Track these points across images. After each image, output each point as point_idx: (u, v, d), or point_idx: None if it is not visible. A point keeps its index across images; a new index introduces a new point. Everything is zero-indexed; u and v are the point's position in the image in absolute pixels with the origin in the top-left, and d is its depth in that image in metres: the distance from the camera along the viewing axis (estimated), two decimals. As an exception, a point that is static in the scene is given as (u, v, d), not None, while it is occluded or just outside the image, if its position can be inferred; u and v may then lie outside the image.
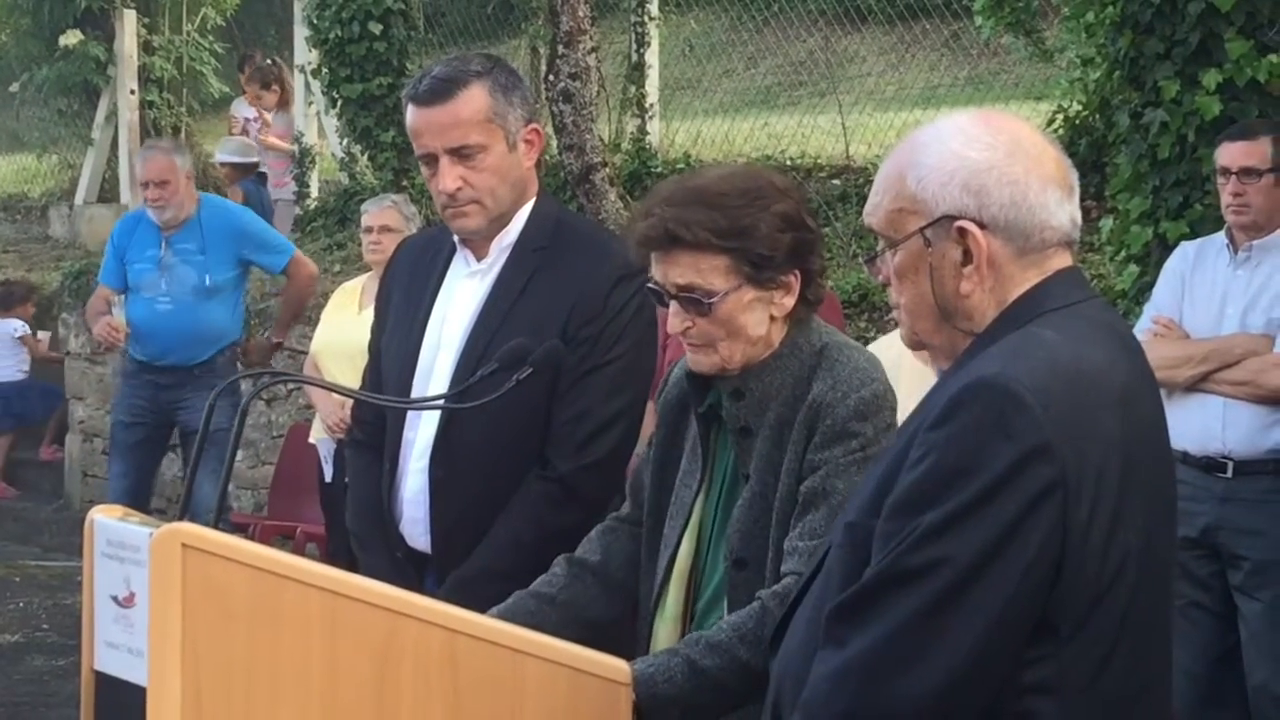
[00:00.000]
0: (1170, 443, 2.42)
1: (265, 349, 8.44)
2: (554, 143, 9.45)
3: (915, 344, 2.43)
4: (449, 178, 3.56)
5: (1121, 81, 6.33)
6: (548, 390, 3.50)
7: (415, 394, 3.63)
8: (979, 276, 2.32)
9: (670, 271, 2.95)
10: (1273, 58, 5.94)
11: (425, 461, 3.62)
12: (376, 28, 11.61)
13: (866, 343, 4.72)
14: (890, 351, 3.82)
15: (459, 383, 3.49)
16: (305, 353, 8.45)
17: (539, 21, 11.22)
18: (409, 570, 3.61)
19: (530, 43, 11.77)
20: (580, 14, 9.58)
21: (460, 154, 3.55)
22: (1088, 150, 7.91)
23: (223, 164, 12.30)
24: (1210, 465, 5.13)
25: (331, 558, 6.96)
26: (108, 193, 14.34)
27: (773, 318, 2.97)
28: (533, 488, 3.54)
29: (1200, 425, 5.12)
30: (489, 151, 3.57)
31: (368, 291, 7.30)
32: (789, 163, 9.95)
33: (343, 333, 7.22)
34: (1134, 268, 6.29)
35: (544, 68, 10.07)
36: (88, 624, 2.62)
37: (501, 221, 3.63)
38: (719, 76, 12.55)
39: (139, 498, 7.84)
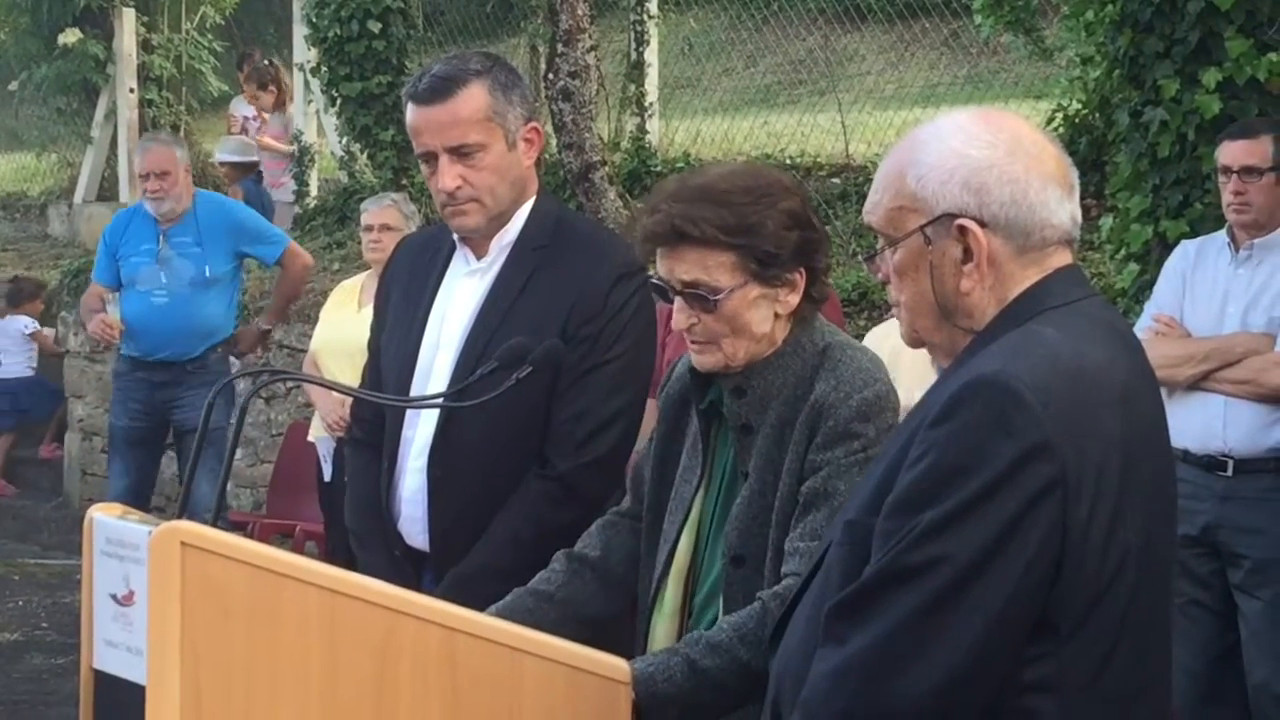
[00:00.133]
0: (1170, 441, 2.42)
1: (254, 336, 8.42)
2: (553, 141, 9.45)
3: (915, 342, 2.42)
4: (448, 176, 3.56)
5: (1121, 80, 6.33)
6: (547, 389, 3.50)
7: (414, 392, 3.62)
8: (979, 274, 2.32)
9: (676, 268, 2.95)
10: (1272, 56, 5.94)
11: (424, 460, 3.61)
12: (376, 26, 11.60)
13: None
14: (888, 341, 3.82)
15: (458, 381, 3.49)
16: (304, 351, 8.46)
17: (538, 20, 11.22)
18: (407, 569, 3.61)
19: (530, 41, 11.77)
20: (579, 12, 9.59)
21: (460, 152, 3.55)
22: (1087, 149, 7.90)
23: (222, 163, 12.30)
24: (1211, 464, 5.13)
25: (330, 556, 6.96)
26: (107, 191, 14.34)
27: (777, 315, 2.97)
28: (532, 486, 3.54)
29: (1201, 424, 5.12)
30: (488, 150, 3.57)
31: (367, 290, 7.31)
32: (788, 161, 9.95)
33: (342, 331, 7.22)
34: (1134, 266, 6.29)
35: (543, 66, 10.07)
36: (87, 622, 2.62)
37: (501, 220, 3.63)
38: (718, 75, 12.55)
39: (139, 497, 7.86)
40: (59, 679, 7.48)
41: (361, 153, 11.97)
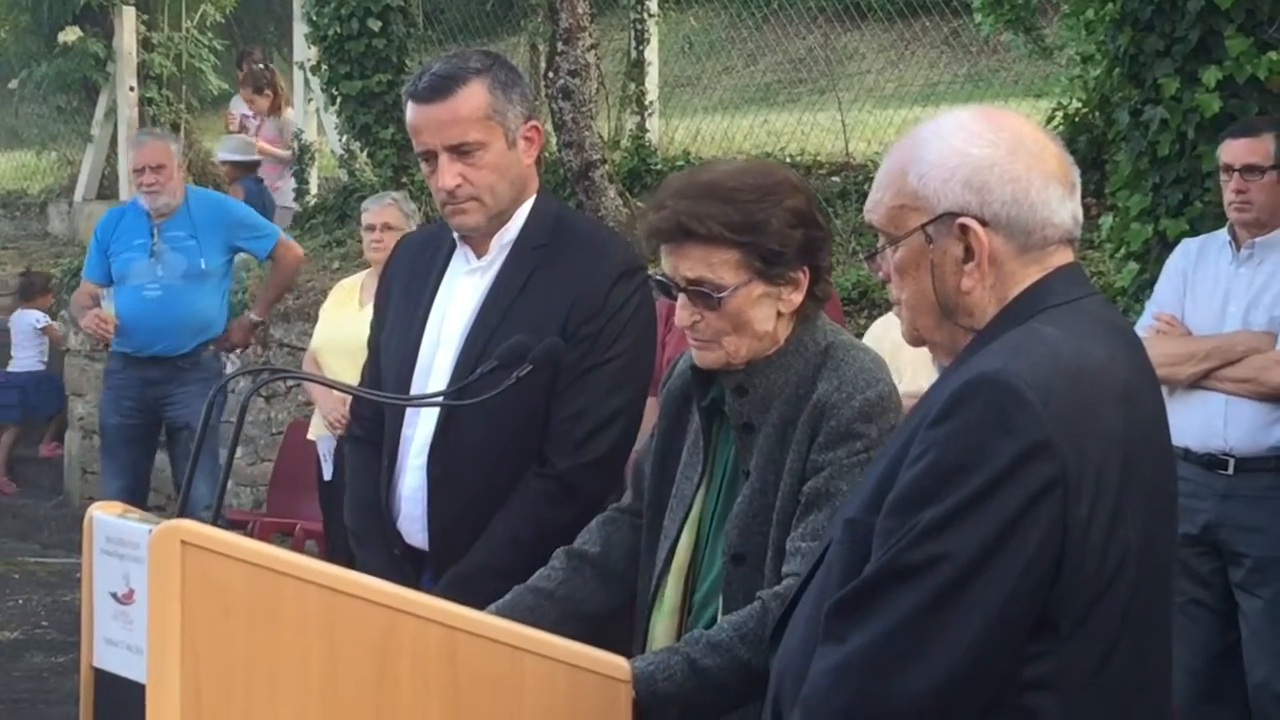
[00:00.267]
0: (1171, 440, 2.42)
1: (246, 328, 8.42)
2: (553, 140, 9.45)
3: (916, 340, 2.42)
4: (448, 175, 3.55)
5: (1121, 79, 6.33)
6: (547, 388, 3.50)
7: (414, 391, 3.62)
8: (980, 273, 2.32)
9: (680, 264, 2.95)
10: (1273, 55, 5.94)
11: (423, 459, 3.61)
12: (376, 24, 11.60)
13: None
14: (891, 333, 3.82)
15: (458, 380, 3.49)
16: (304, 349, 8.46)
17: (538, 18, 11.22)
18: (406, 567, 3.61)
19: (530, 40, 11.78)
20: (580, 11, 9.58)
21: (459, 151, 3.55)
22: (1087, 147, 7.90)
23: (223, 162, 12.29)
24: (1212, 462, 5.13)
25: (331, 555, 6.96)
26: (107, 189, 14.33)
27: (780, 314, 2.97)
28: (531, 485, 3.54)
29: (1202, 422, 5.12)
30: (488, 149, 3.57)
31: (367, 288, 7.31)
32: (789, 160, 9.95)
33: (343, 330, 7.22)
34: (1134, 265, 6.28)
35: (543, 65, 10.08)
36: (87, 621, 2.62)
37: (501, 219, 3.63)
38: (718, 73, 12.55)
39: (135, 495, 7.85)
40: (59, 677, 7.48)
41: (361, 151, 11.97)
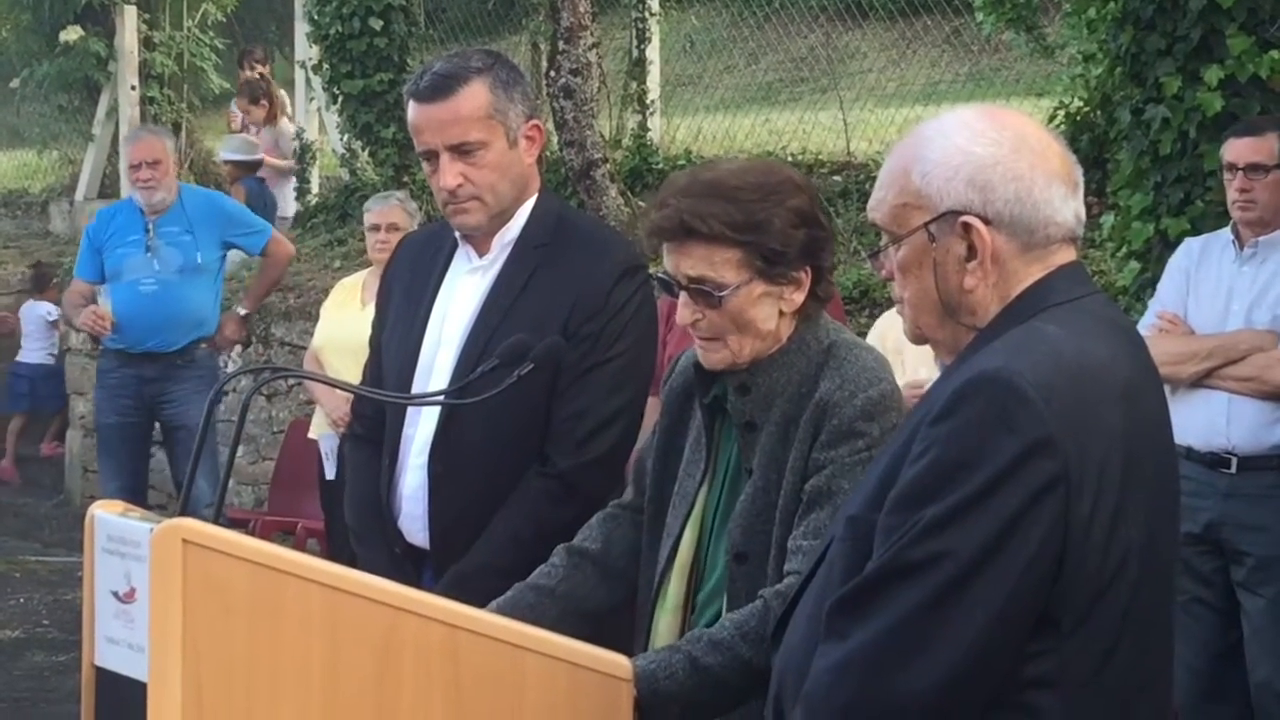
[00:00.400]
0: (1173, 438, 2.42)
1: (237, 322, 8.42)
2: (555, 139, 9.44)
3: (918, 339, 2.42)
4: (450, 174, 3.55)
5: (1123, 77, 6.33)
6: (548, 387, 3.50)
7: (415, 390, 3.62)
8: (983, 272, 2.32)
9: (682, 263, 2.95)
10: (1274, 54, 5.94)
11: (425, 458, 3.61)
12: (377, 23, 11.60)
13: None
14: (896, 328, 3.82)
15: (459, 379, 3.49)
16: (305, 348, 8.45)
17: (540, 17, 11.21)
18: (407, 566, 3.61)
19: (531, 38, 11.77)
20: (581, 10, 9.58)
21: (461, 150, 3.55)
22: (1089, 146, 7.89)
23: (226, 161, 12.29)
24: (1214, 461, 5.12)
25: (333, 554, 6.95)
26: (108, 188, 14.32)
27: (782, 313, 2.97)
28: (532, 484, 3.53)
29: (1204, 421, 5.12)
30: (490, 148, 3.56)
31: (369, 287, 7.30)
32: (790, 159, 9.95)
33: (346, 329, 7.21)
34: (1135, 264, 6.28)
35: (545, 64, 10.08)
36: (88, 619, 2.62)
37: (503, 218, 3.63)
38: (720, 72, 12.55)
39: (135, 494, 7.84)
40: (60, 676, 7.48)
41: (363, 150, 11.97)
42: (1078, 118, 8.31)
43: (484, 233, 3.64)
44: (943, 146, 2.33)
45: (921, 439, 2.20)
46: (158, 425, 8.20)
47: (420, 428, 3.63)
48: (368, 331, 3.96)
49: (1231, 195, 5.27)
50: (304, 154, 12.49)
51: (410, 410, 3.64)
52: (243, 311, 8.48)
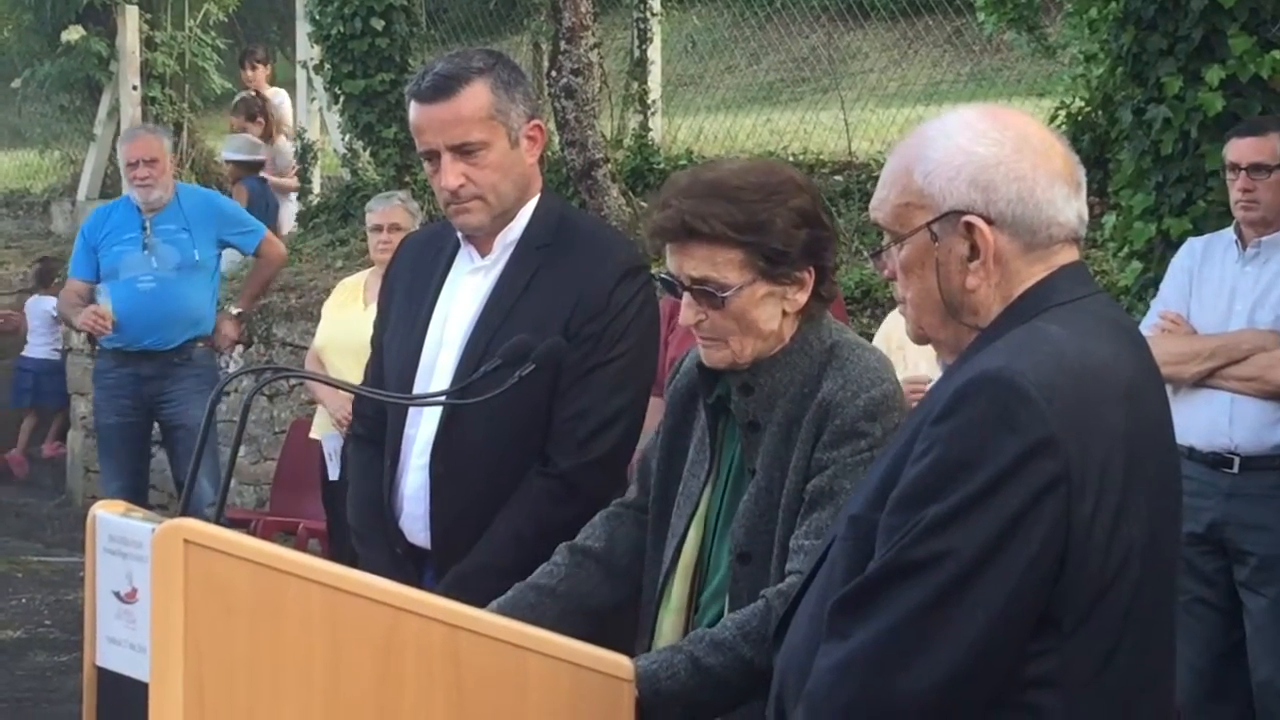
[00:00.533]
0: (1175, 438, 2.42)
1: (233, 323, 8.43)
2: (556, 139, 9.44)
3: (920, 339, 2.42)
4: (451, 175, 3.55)
5: (1124, 77, 6.32)
6: (549, 387, 3.50)
7: (417, 390, 3.62)
8: (985, 272, 2.32)
9: (685, 264, 2.95)
10: (1276, 53, 5.94)
11: (426, 458, 3.61)
12: (379, 23, 11.59)
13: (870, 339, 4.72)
14: (902, 328, 3.82)
15: (461, 379, 3.49)
16: (307, 348, 8.45)
17: (541, 17, 11.21)
18: (408, 566, 3.61)
19: (533, 39, 11.76)
20: (583, 10, 9.58)
21: (462, 151, 3.55)
22: (1090, 146, 7.88)
23: (228, 161, 12.28)
24: (1217, 461, 5.13)
25: (335, 555, 6.95)
26: (110, 189, 14.30)
27: (785, 313, 2.97)
28: (534, 484, 3.53)
29: (1207, 420, 5.12)
30: (491, 148, 3.56)
31: (371, 287, 7.30)
32: (792, 159, 9.95)
33: (348, 329, 7.21)
34: (1137, 264, 6.28)
35: (546, 64, 10.07)
36: (90, 620, 2.62)
37: (505, 218, 3.63)
38: (721, 72, 12.55)
39: (137, 495, 7.85)
40: (62, 676, 7.48)
41: (364, 150, 11.97)
42: (1079, 118, 8.30)
43: (486, 233, 3.64)
44: (945, 146, 2.33)
45: (923, 438, 2.20)
46: (156, 425, 8.20)
47: (422, 428, 3.63)
48: (370, 332, 3.96)
49: (1234, 195, 5.27)
50: (305, 154, 12.48)
51: (412, 411, 3.64)
52: (235, 311, 8.49)
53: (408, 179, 11.14)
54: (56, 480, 12.11)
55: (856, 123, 10.33)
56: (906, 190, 2.35)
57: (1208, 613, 5.22)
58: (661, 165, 10.36)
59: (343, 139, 12.23)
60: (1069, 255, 2.35)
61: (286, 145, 12.80)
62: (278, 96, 13.21)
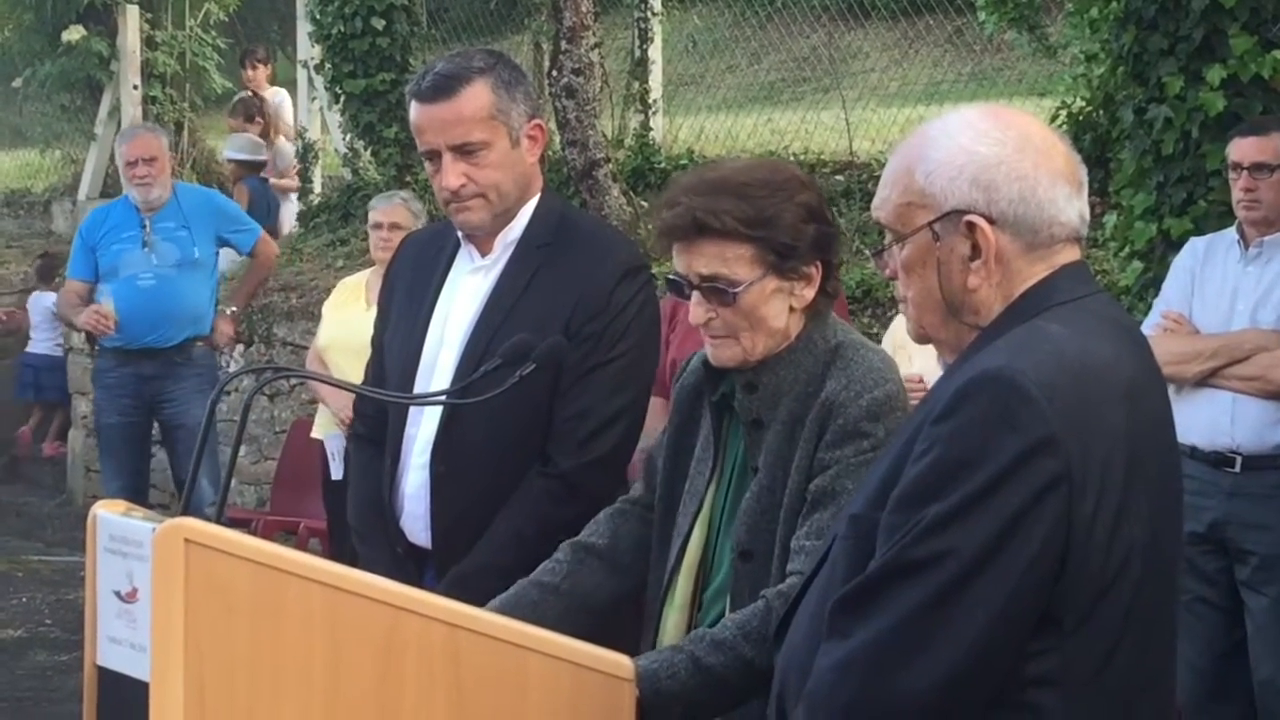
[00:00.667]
0: (1176, 437, 2.42)
1: (230, 323, 8.44)
2: (557, 138, 9.44)
3: (921, 338, 2.42)
4: (452, 174, 3.55)
5: (1125, 77, 6.32)
6: (550, 387, 3.50)
7: (418, 390, 3.62)
8: (986, 271, 2.32)
9: (695, 262, 2.95)
10: (1277, 53, 5.94)
11: (426, 457, 3.61)
12: (379, 23, 11.59)
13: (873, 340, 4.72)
14: (904, 326, 3.82)
15: (461, 379, 3.49)
16: (308, 347, 8.45)
17: (542, 17, 11.20)
18: (409, 566, 3.61)
19: (533, 38, 11.76)
20: (583, 9, 9.57)
21: (463, 151, 3.55)
22: (1091, 146, 7.88)
23: (230, 160, 12.28)
24: (1218, 460, 5.13)
25: (336, 554, 6.95)
26: (110, 188, 14.29)
27: (792, 309, 2.98)
28: (534, 484, 3.53)
29: (1209, 420, 5.12)
30: (492, 148, 3.56)
31: (372, 287, 7.30)
32: (793, 158, 9.94)
33: (350, 328, 7.20)
34: (1138, 264, 6.28)
35: (547, 63, 10.06)
36: (90, 619, 2.62)
37: (506, 217, 3.63)
38: (722, 72, 12.55)
39: (138, 494, 7.85)
40: (63, 676, 7.49)
41: (365, 150, 11.96)
42: (1080, 117, 8.30)
43: (486, 232, 3.64)
44: (947, 146, 2.33)
45: (924, 438, 2.20)
46: (157, 425, 8.20)
47: (422, 428, 3.63)
48: (371, 331, 3.96)
49: (1236, 195, 5.27)
50: (306, 153, 12.48)
51: (412, 410, 3.64)
52: (232, 309, 8.51)
53: (409, 179, 11.13)
54: (57, 479, 12.11)
55: (858, 122, 10.32)
56: (908, 190, 2.35)
57: (1209, 612, 5.22)
58: (662, 165, 10.36)
59: (343, 138, 12.22)
60: (1070, 255, 2.35)
61: (286, 145, 12.80)
62: (278, 96, 13.21)
